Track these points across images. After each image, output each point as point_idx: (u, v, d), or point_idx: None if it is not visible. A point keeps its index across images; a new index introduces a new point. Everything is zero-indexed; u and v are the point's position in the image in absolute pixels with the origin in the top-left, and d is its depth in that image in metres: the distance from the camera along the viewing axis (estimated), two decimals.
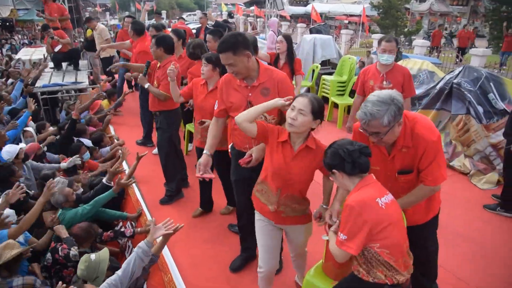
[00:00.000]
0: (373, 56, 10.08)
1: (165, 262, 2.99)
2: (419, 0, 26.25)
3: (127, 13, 38.04)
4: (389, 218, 1.74)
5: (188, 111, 4.45)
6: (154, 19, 10.66)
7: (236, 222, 3.13)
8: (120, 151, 4.67)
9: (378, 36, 13.49)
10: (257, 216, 2.38)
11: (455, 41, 17.71)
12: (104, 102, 6.97)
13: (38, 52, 9.65)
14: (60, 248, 2.82)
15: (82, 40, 10.40)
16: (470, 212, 3.86)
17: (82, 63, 8.14)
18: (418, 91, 5.09)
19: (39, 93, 6.19)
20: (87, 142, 4.92)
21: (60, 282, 2.35)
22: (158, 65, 3.88)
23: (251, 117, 2.13)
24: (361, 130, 1.95)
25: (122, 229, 3.44)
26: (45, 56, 7.94)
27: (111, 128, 6.11)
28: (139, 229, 3.35)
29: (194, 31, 8.30)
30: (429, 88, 5.39)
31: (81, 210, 3.34)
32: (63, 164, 4.22)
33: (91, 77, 7.99)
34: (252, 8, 25.84)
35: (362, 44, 16.27)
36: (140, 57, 4.98)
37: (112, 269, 2.65)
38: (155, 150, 4.80)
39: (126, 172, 4.31)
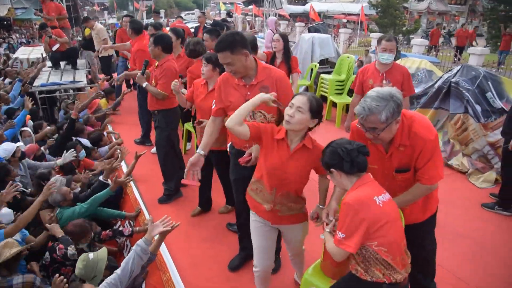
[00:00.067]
0: (371, 55, 10.09)
1: (164, 261, 2.99)
2: None
3: (125, 12, 38.05)
4: (386, 216, 1.75)
5: (187, 110, 4.46)
6: (152, 18, 10.64)
7: (234, 221, 3.13)
8: (118, 150, 4.67)
9: (376, 35, 13.48)
10: (253, 216, 2.36)
11: (453, 40, 17.74)
12: (102, 101, 6.96)
13: (36, 51, 9.63)
14: (57, 248, 2.81)
15: (80, 39, 10.37)
16: (469, 211, 3.87)
17: (80, 62, 8.12)
18: (416, 90, 5.09)
19: (37, 92, 6.17)
20: (85, 141, 4.91)
21: (57, 274, 2.37)
22: (156, 64, 3.87)
23: (241, 117, 2.08)
24: (358, 126, 1.96)
25: (120, 228, 3.44)
26: (43, 55, 7.92)
27: (109, 126, 6.10)
28: (137, 228, 3.34)
29: (192, 30, 8.30)
30: (427, 87, 5.39)
31: (79, 209, 3.34)
32: (59, 161, 4.21)
33: (89, 76, 7.97)
34: (250, 7, 25.80)
35: (360, 43, 16.27)
36: (138, 56, 4.97)
37: (110, 268, 2.64)
38: (154, 149, 4.80)
39: (124, 171, 4.31)
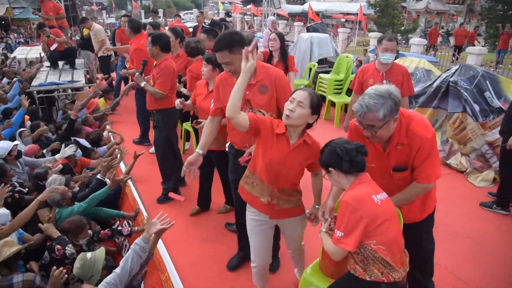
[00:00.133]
0: (370, 54, 10.11)
1: (162, 261, 2.99)
2: None
3: (123, 12, 38.02)
4: (385, 214, 1.75)
5: (186, 112, 4.47)
6: (150, 18, 10.63)
7: (233, 221, 3.13)
8: (117, 150, 4.66)
9: (375, 34, 13.48)
10: (249, 215, 2.36)
11: (452, 40, 17.76)
12: (101, 101, 6.95)
13: (34, 51, 9.61)
14: (55, 248, 2.81)
15: (79, 38, 10.36)
16: (468, 211, 3.88)
17: (79, 61, 8.10)
18: (415, 90, 5.10)
19: (35, 92, 6.16)
20: (83, 141, 4.90)
21: (54, 267, 2.37)
22: (154, 64, 3.87)
23: (236, 102, 2.02)
24: (356, 124, 1.96)
25: (119, 228, 3.43)
26: (41, 55, 7.90)
27: (108, 126, 6.09)
28: (136, 228, 3.34)
29: (190, 29, 8.29)
30: (425, 86, 5.41)
31: (77, 208, 3.34)
32: (58, 156, 4.21)
33: (88, 76, 7.96)
34: (249, 6, 25.79)
35: (359, 42, 16.27)
36: (135, 55, 4.97)
37: (107, 268, 2.64)
38: (152, 149, 4.80)
39: (123, 171, 4.30)
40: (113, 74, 8.19)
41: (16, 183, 3.71)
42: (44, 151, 4.59)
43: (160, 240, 3.15)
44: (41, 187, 3.63)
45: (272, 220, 2.30)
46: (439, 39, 18.45)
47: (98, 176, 3.79)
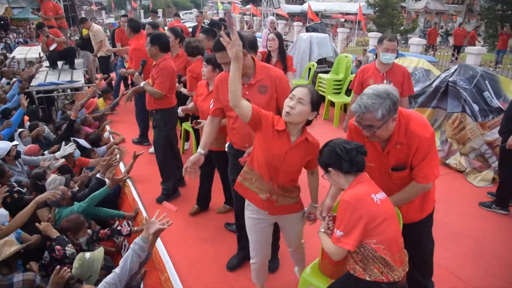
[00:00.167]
0: (369, 54, 10.11)
1: (162, 261, 2.98)
2: None
3: (123, 12, 38.01)
4: (384, 213, 1.76)
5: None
6: (150, 18, 10.62)
7: (232, 221, 3.13)
8: (116, 150, 4.66)
9: (374, 34, 13.49)
10: (248, 213, 2.35)
11: (451, 40, 17.77)
12: (100, 101, 6.95)
13: (33, 51, 9.60)
14: (55, 249, 2.81)
15: (78, 38, 10.35)
16: (468, 210, 3.88)
17: (78, 61, 8.10)
18: (414, 89, 5.11)
19: (35, 92, 6.16)
20: (82, 142, 4.90)
21: (58, 266, 2.38)
22: (153, 64, 3.87)
23: (235, 91, 2.00)
24: (355, 123, 1.96)
25: (119, 228, 3.43)
26: (41, 55, 7.90)
27: (107, 126, 6.08)
28: (135, 228, 3.34)
29: (190, 29, 8.29)
30: (425, 86, 5.41)
31: (77, 208, 3.34)
32: (58, 153, 4.21)
33: (87, 76, 7.96)
34: (248, 6, 25.81)
35: (358, 42, 16.28)
36: (134, 55, 4.96)
37: (106, 268, 2.65)
38: (152, 149, 4.80)
39: (122, 171, 4.30)
40: (113, 74, 8.18)
41: (14, 183, 3.71)
42: (46, 152, 4.58)
43: (159, 240, 3.16)
44: (40, 187, 3.62)
45: (271, 217, 2.30)
46: (438, 39, 18.47)
47: (98, 175, 3.80)
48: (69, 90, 6.75)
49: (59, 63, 7.75)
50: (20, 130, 4.78)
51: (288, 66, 4.60)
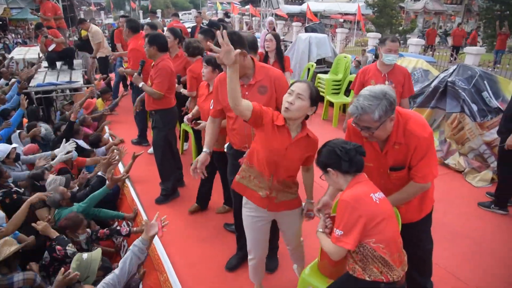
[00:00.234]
0: (368, 54, 10.11)
1: (161, 261, 2.98)
2: None
3: (122, 12, 38.00)
4: (383, 213, 1.76)
5: (185, 112, 4.48)
6: (149, 18, 10.62)
7: (232, 221, 3.13)
8: (115, 151, 4.65)
9: (373, 34, 13.49)
10: (246, 211, 2.35)
11: (450, 40, 17.81)
12: (99, 102, 6.94)
13: (32, 51, 9.59)
14: (56, 249, 2.81)
15: (77, 39, 10.34)
16: (467, 210, 3.88)
17: (77, 62, 8.10)
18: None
19: (33, 92, 6.15)
20: (81, 143, 4.90)
21: (62, 269, 2.39)
22: (152, 64, 3.86)
23: (234, 93, 1.96)
24: (353, 125, 1.96)
25: (118, 228, 3.43)
26: (40, 55, 7.89)
27: (106, 127, 6.09)
28: (135, 228, 3.34)
29: (189, 30, 8.29)
30: (423, 86, 5.42)
31: (77, 208, 3.34)
32: (57, 150, 4.21)
33: (86, 77, 7.96)
34: (247, 7, 25.79)
35: (357, 42, 16.29)
36: (131, 55, 4.96)
37: (103, 269, 2.65)
38: (151, 150, 4.79)
39: (122, 171, 4.30)
40: (112, 75, 8.18)
41: (12, 184, 3.71)
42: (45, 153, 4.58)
43: (158, 241, 3.17)
44: (38, 187, 3.62)
45: (270, 215, 2.30)
46: (437, 39, 18.50)
47: (99, 173, 3.81)
48: (68, 91, 6.75)
49: (58, 64, 7.75)
50: (18, 131, 4.77)
51: (285, 66, 4.60)
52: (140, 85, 3.81)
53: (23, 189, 3.80)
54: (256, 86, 2.40)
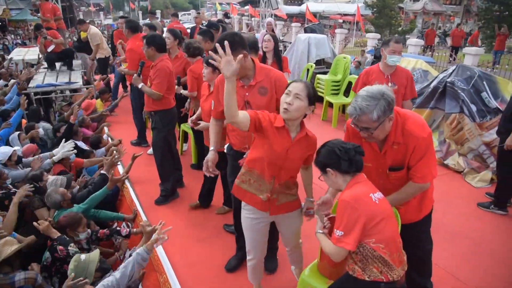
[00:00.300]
0: (367, 55, 10.12)
1: (160, 262, 2.98)
2: None
3: (121, 13, 37.99)
4: (382, 213, 1.76)
5: (184, 114, 4.48)
6: (148, 19, 10.62)
7: (231, 222, 3.13)
8: (115, 151, 4.65)
9: (372, 35, 13.51)
10: (245, 213, 2.35)
11: (449, 40, 17.83)
12: (98, 102, 6.94)
13: (31, 52, 9.58)
14: (58, 249, 2.81)
15: (76, 39, 10.34)
16: (465, 211, 3.89)
17: (76, 63, 8.10)
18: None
19: (33, 93, 6.15)
20: (80, 144, 4.90)
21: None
22: (151, 65, 3.86)
23: (231, 108, 1.93)
24: (352, 125, 1.97)
25: (117, 228, 3.43)
26: (39, 57, 7.89)
27: (106, 128, 6.08)
28: (135, 229, 3.34)
29: (188, 30, 8.29)
30: (423, 87, 5.42)
31: (76, 210, 3.33)
32: (55, 150, 4.21)
33: (85, 77, 7.96)
34: (246, 7, 25.80)
35: (356, 43, 16.31)
36: (128, 56, 4.97)
37: (101, 270, 2.66)
38: (150, 150, 4.79)
39: (121, 172, 4.29)
40: (111, 76, 8.17)
41: (10, 186, 3.71)
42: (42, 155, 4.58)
43: None
44: (37, 188, 3.62)
45: (270, 216, 2.30)
46: (436, 39, 18.52)
47: (102, 171, 3.84)
48: (67, 92, 6.74)
49: (57, 65, 7.74)
50: (18, 133, 4.78)
51: (283, 67, 4.61)
52: (139, 86, 3.81)
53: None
54: (256, 87, 2.40)
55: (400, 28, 22.30)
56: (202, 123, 3.38)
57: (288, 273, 2.90)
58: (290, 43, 9.85)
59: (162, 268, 2.91)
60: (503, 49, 13.66)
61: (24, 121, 5.45)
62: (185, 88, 4.34)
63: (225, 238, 3.38)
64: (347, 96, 6.41)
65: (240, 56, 1.92)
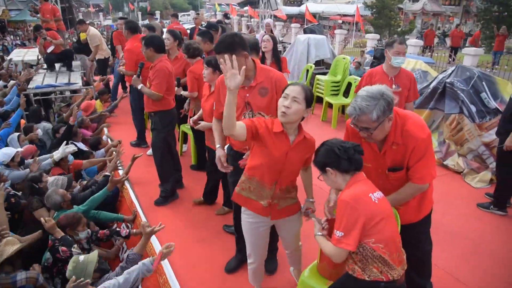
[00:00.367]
0: (367, 55, 10.13)
1: (160, 263, 2.97)
2: (412, 0, 26.41)
3: (120, 14, 38.02)
4: (382, 212, 1.76)
5: (184, 115, 4.48)
6: (147, 20, 10.63)
7: (231, 222, 3.13)
8: (114, 152, 4.65)
9: (372, 36, 13.53)
10: (245, 217, 2.35)
11: (448, 41, 17.86)
12: (97, 103, 6.93)
13: (30, 53, 9.59)
14: (60, 249, 2.81)
15: (75, 40, 10.34)
16: (465, 211, 3.89)
17: (76, 64, 8.10)
18: None
19: (32, 94, 6.15)
20: (80, 145, 4.90)
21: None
22: (150, 66, 3.86)
23: (230, 121, 1.93)
24: (351, 126, 1.97)
25: (117, 229, 3.43)
26: (39, 57, 7.88)
27: (105, 129, 6.08)
28: (134, 230, 3.34)
29: (187, 31, 8.30)
30: (422, 87, 5.42)
31: (76, 211, 3.33)
32: (55, 152, 4.21)
33: (85, 78, 7.96)
34: (246, 8, 25.81)
35: (356, 44, 16.34)
36: (125, 56, 4.97)
37: (99, 271, 2.66)
38: (150, 151, 4.79)
39: (121, 173, 4.29)
40: (111, 76, 8.17)
41: (10, 188, 3.71)
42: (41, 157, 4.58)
43: (158, 242, 3.16)
44: (37, 189, 3.62)
45: (271, 221, 2.30)
46: (436, 40, 18.54)
47: (107, 172, 3.87)
48: (67, 93, 6.74)
49: (57, 65, 7.74)
50: (17, 134, 4.78)
51: (282, 67, 4.62)
52: (139, 87, 3.82)
53: (20, 192, 3.80)
54: (257, 88, 2.40)
55: (399, 29, 22.31)
56: (203, 123, 3.39)
57: (288, 274, 2.90)
58: (290, 43, 9.85)
59: (161, 269, 2.91)
60: (502, 50, 13.68)
61: (23, 121, 5.45)
62: (185, 89, 4.34)
63: (225, 239, 3.38)
64: (346, 97, 6.41)
65: (244, 68, 1.92)
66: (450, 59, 10.62)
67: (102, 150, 5.14)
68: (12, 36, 20.07)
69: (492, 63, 10.97)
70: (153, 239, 3.15)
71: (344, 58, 6.84)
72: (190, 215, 3.78)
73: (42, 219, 2.93)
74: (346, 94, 6.46)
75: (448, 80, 4.96)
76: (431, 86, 5.18)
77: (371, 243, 1.75)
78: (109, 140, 5.59)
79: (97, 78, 8.31)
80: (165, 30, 6.97)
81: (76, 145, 4.71)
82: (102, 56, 7.87)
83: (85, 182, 4.21)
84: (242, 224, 2.39)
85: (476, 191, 4.29)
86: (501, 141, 3.65)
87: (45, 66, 7.69)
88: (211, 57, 3.31)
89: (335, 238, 1.78)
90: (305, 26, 11.30)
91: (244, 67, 1.92)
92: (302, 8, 23.17)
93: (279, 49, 4.84)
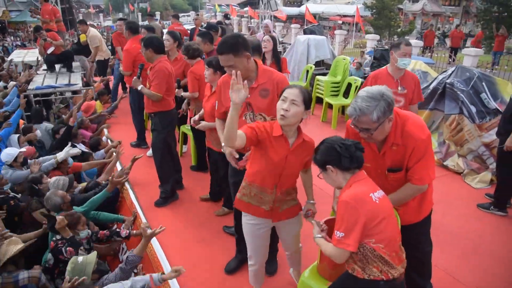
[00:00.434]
0: (367, 56, 10.14)
1: (160, 263, 2.98)
2: (412, 0, 26.43)
3: (120, 15, 38.02)
4: (383, 212, 1.76)
5: (182, 115, 4.48)
6: (147, 21, 10.63)
7: (231, 223, 3.13)
8: (114, 153, 4.66)
9: (371, 36, 13.54)
10: (246, 220, 2.35)
11: (448, 41, 17.87)
12: (97, 104, 6.94)
13: (31, 54, 9.59)
14: (63, 250, 2.81)
15: (75, 41, 10.34)
16: (465, 212, 3.89)
17: (76, 64, 8.10)
18: None
19: (32, 95, 6.15)
20: (80, 146, 4.91)
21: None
22: (150, 67, 3.87)
23: (231, 135, 1.94)
24: (352, 126, 1.97)
25: (117, 230, 3.43)
26: (39, 58, 7.88)
27: (105, 130, 6.08)
28: (134, 231, 3.34)
29: (188, 32, 8.30)
30: (422, 88, 5.41)
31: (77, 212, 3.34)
32: (59, 153, 4.22)
33: (85, 79, 7.96)
34: (246, 9, 25.82)
35: (356, 44, 16.35)
36: (124, 55, 4.98)
37: (98, 272, 2.66)
38: (150, 152, 4.79)
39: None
40: (111, 77, 8.17)
41: (9, 190, 3.72)
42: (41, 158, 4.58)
43: (157, 243, 3.16)
44: (37, 191, 3.62)
45: (271, 223, 2.31)
46: (435, 40, 18.55)
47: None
48: (67, 93, 6.74)
49: (57, 66, 7.74)
50: (17, 135, 4.78)
51: (282, 68, 4.62)
52: (139, 88, 3.82)
53: (20, 194, 3.80)
54: (258, 89, 2.40)
55: (399, 29, 22.30)
56: (203, 123, 3.39)
57: (288, 275, 2.90)
58: (290, 44, 9.86)
59: (161, 269, 2.91)
60: (502, 50, 13.69)
61: (21, 121, 5.45)
62: (185, 90, 4.34)
63: (225, 240, 3.38)
64: (346, 97, 6.41)
65: (245, 82, 1.92)
66: (450, 60, 10.62)
67: (102, 151, 5.14)
68: (12, 37, 20.08)
69: (492, 63, 10.97)
70: (153, 240, 3.14)
71: (344, 59, 6.83)
72: (190, 215, 3.78)
73: (57, 216, 2.93)
74: (346, 94, 6.46)
75: (448, 81, 4.96)
76: (431, 86, 5.18)
77: (372, 243, 1.75)
78: (109, 141, 5.59)
79: (97, 79, 8.32)
80: (165, 31, 6.97)
81: (76, 147, 4.72)
82: (102, 57, 7.86)
83: (85, 183, 4.22)
84: (243, 226, 2.39)
85: (476, 191, 4.29)
86: (501, 142, 3.65)
87: (45, 66, 7.69)
88: (212, 58, 3.32)
89: (336, 239, 1.78)
90: (305, 27, 11.30)
91: (245, 82, 1.93)
92: (302, 8, 23.18)
93: (279, 50, 4.83)
